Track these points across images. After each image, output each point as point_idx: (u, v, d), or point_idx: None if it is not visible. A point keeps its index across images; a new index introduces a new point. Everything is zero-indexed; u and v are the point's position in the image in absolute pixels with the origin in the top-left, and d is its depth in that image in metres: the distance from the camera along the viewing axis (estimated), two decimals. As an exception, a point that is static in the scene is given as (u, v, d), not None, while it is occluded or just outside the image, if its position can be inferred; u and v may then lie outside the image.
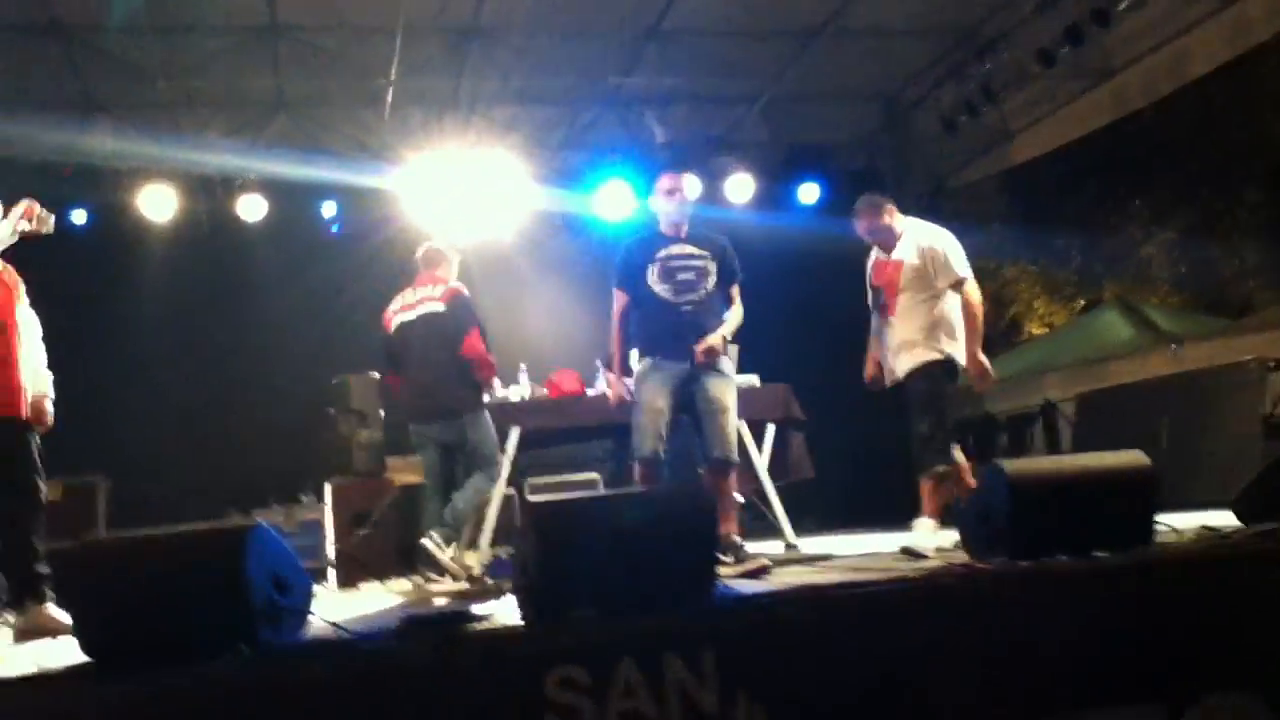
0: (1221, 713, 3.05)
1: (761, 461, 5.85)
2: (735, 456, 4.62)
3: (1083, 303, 16.80)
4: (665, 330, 4.64)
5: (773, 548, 5.40)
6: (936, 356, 4.90)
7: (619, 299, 4.81)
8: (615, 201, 8.55)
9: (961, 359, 4.94)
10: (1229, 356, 7.39)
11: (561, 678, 2.56)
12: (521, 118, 8.39)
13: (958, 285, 4.97)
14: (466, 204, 8.05)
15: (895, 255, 5.03)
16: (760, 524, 5.98)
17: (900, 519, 5.02)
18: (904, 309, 4.96)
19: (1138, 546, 3.34)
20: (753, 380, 5.95)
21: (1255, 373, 6.43)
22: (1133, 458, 3.52)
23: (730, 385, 4.69)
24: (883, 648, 2.83)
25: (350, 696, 2.52)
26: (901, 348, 4.96)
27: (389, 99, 7.91)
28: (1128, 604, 3.10)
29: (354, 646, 2.71)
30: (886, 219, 5.10)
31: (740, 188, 9.00)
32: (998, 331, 17.91)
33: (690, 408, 4.61)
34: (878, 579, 3.29)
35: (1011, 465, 3.51)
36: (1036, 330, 17.13)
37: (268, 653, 2.70)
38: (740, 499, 6.01)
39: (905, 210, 5.27)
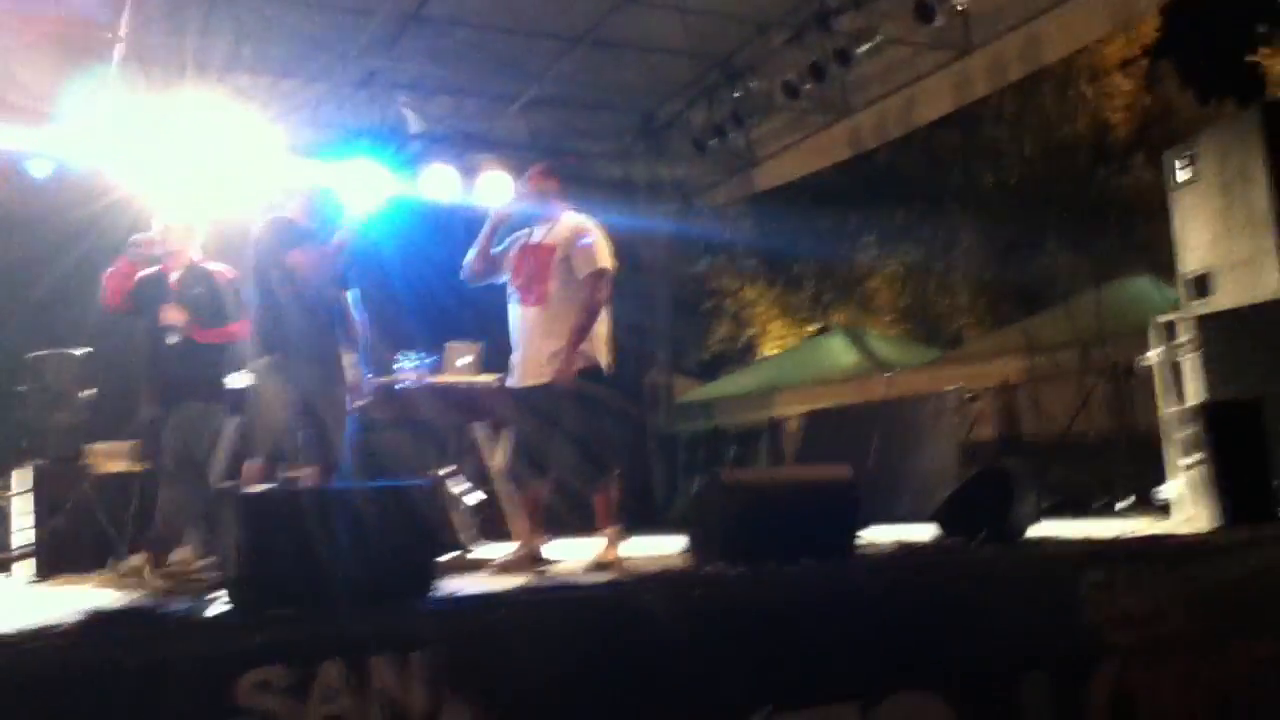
0: (906, 710, 3.27)
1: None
2: None
3: (815, 327, 17.79)
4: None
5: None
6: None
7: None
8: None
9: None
10: (936, 385, 8.03)
11: (257, 680, 2.41)
12: (260, 88, 7.91)
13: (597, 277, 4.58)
14: (216, 175, 7.47)
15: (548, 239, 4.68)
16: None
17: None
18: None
19: (838, 555, 3.53)
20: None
21: (956, 401, 7.02)
22: (837, 471, 3.74)
23: None
24: (596, 649, 2.84)
25: (10, 701, 2.27)
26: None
27: (116, 56, 7.31)
28: (825, 607, 3.27)
29: (14, 646, 2.44)
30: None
31: (496, 186, 8.89)
32: (735, 350, 18.71)
33: None
34: (593, 581, 3.32)
35: (728, 475, 3.64)
36: (771, 351, 17.98)
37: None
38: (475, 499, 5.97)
39: (652, 223, 5.29)
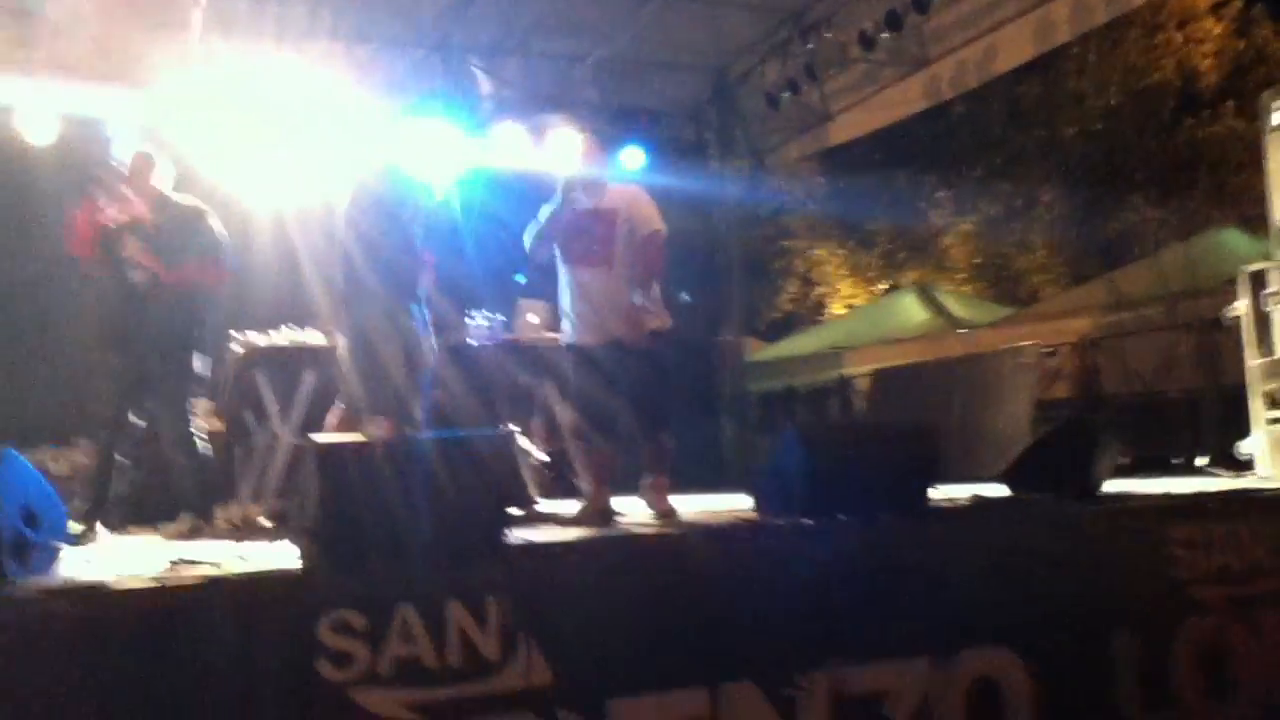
0: (979, 666, 3.24)
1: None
2: None
3: (885, 286, 17.54)
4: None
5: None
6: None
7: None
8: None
9: None
10: (1012, 342, 7.85)
11: (336, 622, 2.47)
12: (337, 53, 7.98)
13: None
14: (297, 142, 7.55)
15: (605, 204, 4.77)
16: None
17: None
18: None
19: (914, 509, 3.49)
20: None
21: (1033, 356, 6.86)
22: (914, 424, 3.68)
23: None
24: (665, 597, 2.86)
25: (106, 637, 2.35)
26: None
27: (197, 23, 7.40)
28: (897, 562, 3.24)
29: (108, 586, 2.52)
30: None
31: (568, 146, 8.83)
32: (803, 309, 18.55)
33: None
34: (663, 532, 3.32)
35: (805, 427, 3.61)
36: (840, 310, 17.79)
37: (11, 588, 2.49)
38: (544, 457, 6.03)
39: (724, 183, 5.28)
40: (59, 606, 2.39)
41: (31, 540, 2.61)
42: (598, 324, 4.62)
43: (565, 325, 4.78)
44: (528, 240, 4.76)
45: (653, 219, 4.70)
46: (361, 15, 7.54)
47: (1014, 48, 7.91)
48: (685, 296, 5.84)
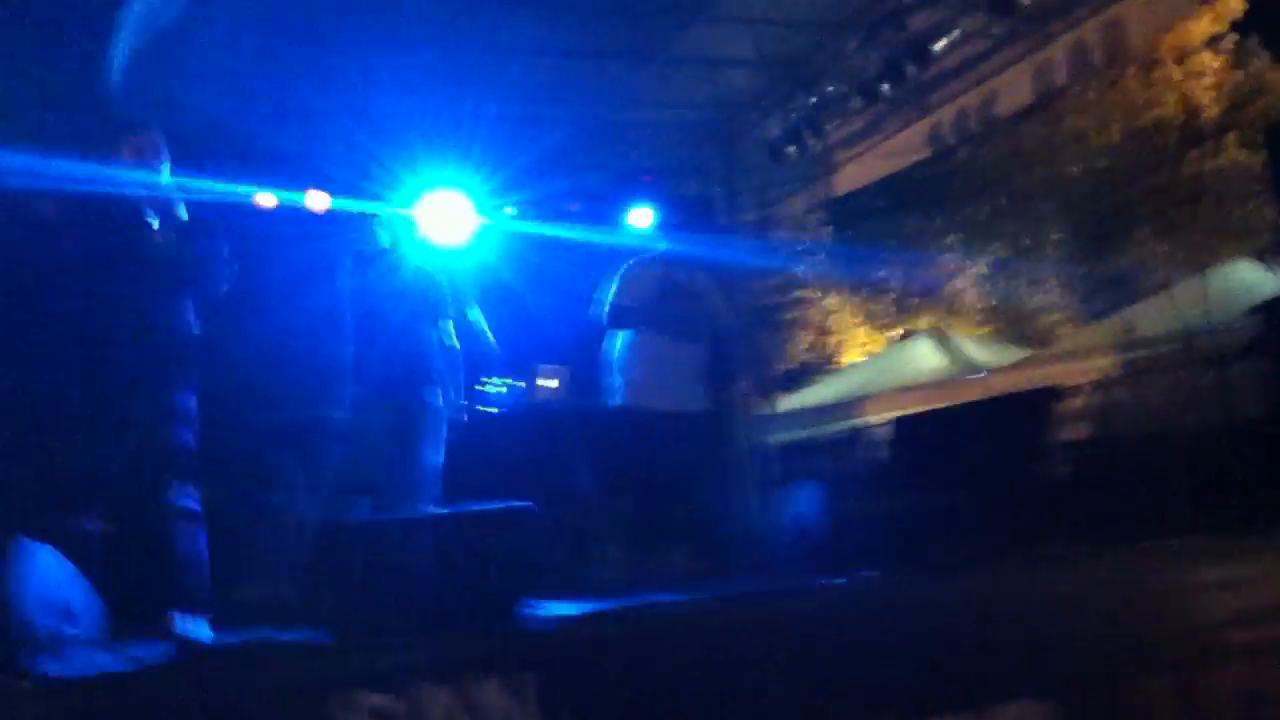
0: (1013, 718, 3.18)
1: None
2: None
3: (900, 331, 17.53)
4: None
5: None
6: None
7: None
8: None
9: None
10: (1031, 384, 7.82)
11: (371, 709, 2.45)
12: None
13: None
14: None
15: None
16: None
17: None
18: None
19: (940, 561, 3.46)
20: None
21: (1053, 398, 6.79)
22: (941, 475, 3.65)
23: None
24: (698, 667, 2.83)
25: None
26: None
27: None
28: (925, 617, 3.21)
29: (139, 679, 2.51)
30: None
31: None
32: (820, 358, 18.52)
33: None
34: (694, 599, 3.30)
35: (823, 481, 3.59)
36: (856, 358, 17.75)
37: (47, 684, 2.48)
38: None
39: (733, 238, 5.46)
40: (86, 700, 2.38)
41: (66, 635, 2.61)
42: (670, 393, 4.94)
43: (619, 387, 5.05)
44: (608, 299, 5.14)
45: (719, 303, 5.20)
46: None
47: (1014, 91, 7.97)
48: None
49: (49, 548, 2.69)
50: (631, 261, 5.12)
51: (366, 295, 4.64)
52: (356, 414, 4.61)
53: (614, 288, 5.03)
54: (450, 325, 4.95)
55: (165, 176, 3.91)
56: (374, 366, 4.56)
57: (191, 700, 2.41)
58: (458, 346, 4.96)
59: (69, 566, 2.75)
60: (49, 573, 2.63)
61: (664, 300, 5.06)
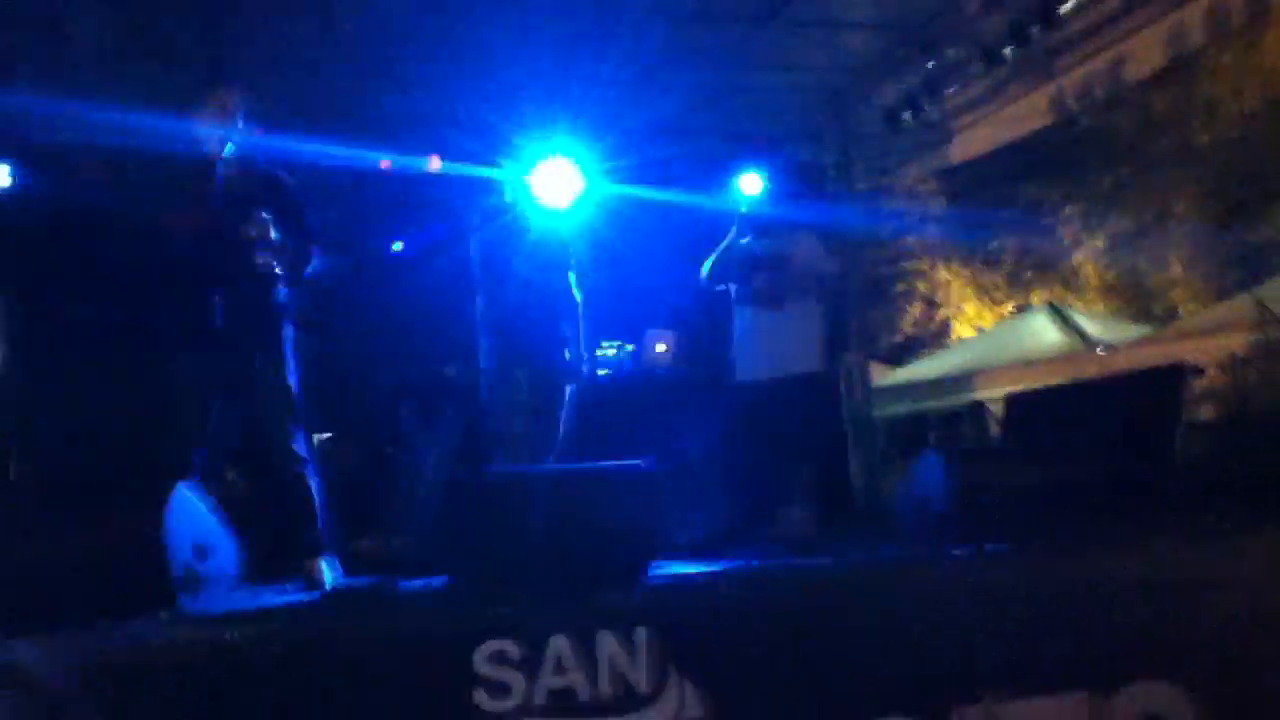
0: (1141, 702, 3.09)
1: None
2: None
3: (1014, 306, 17.08)
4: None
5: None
6: None
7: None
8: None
9: None
10: (1152, 362, 7.54)
11: (492, 652, 2.51)
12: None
13: None
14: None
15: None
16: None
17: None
18: None
19: (1069, 535, 3.37)
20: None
21: (1178, 377, 6.54)
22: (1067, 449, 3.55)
23: None
24: (815, 631, 2.81)
25: (273, 665, 2.43)
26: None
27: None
28: (1055, 592, 3.13)
29: (277, 614, 2.62)
30: None
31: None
32: (928, 332, 18.16)
33: None
34: (813, 564, 3.28)
35: (949, 450, 3.53)
36: (966, 333, 17.36)
37: (185, 618, 2.60)
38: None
39: (843, 205, 5.45)
40: (227, 635, 2.48)
41: (201, 574, 2.72)
42: (774, 360, 4.93)
43: (738, 361, 5.10)
44: (705, 270, 5.19)
45: (825, 263, 5.15)
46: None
47: (1144, 56, 7.66)
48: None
49: (190, 490, 2.81)
50: (738, 226, 5.11)
51: (496, 251, 4.71)
52: (489, 369, 4.68)
53: (718, 253, 5.05)
54: (573, 278, 5.01)
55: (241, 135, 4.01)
56: (506, 321, 4.63)
57: (322, 640, 2.50)
58: (579, 299, 5.02)
59: (207, 509, 2.87)
60: (190, 514, 2.74)
61: (775, 265, 5.00)
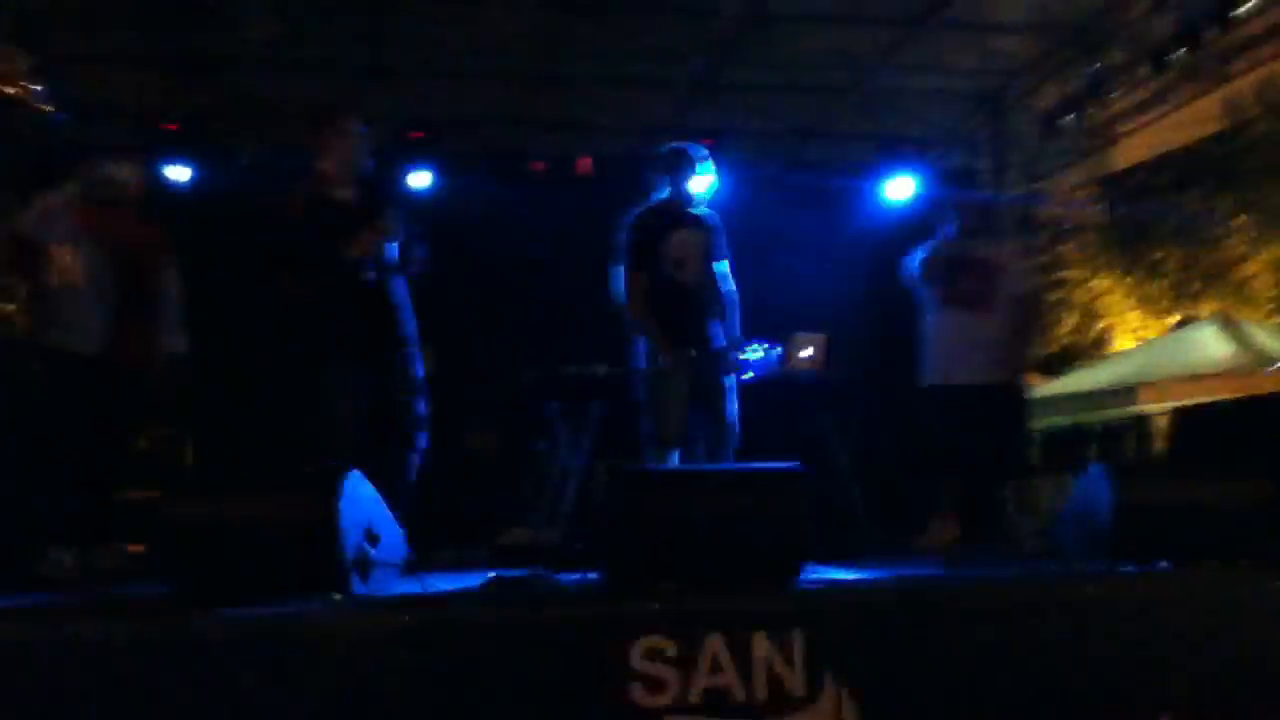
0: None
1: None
2: None
3: (1178, 318, 16.30)
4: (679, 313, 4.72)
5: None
6: None
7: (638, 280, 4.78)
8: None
9: None
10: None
11: (648, 648, 2.53)
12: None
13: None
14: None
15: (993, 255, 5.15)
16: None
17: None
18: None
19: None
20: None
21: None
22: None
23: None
24: (977, 644, 2.75)
25: (435, 652, 2.51)
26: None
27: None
28: (1230, 613, 2.98)
29: (440, 602, 2.70)
30: None
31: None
32: (1087, 342, 17.49)
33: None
34: (975, 575, 3.21)
35: (1116, 464, 3.40)
36: (1127, 344, 16.65)
37: (355, 602, 2.71)
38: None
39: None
40: (398, 619, 2.58)
41: (372, 557, 2.83)
42: (972, 365, 4.89)
43: (933, 362, 5.05)
44: (915, 267, 5.17)
45: (1035, 279, 5.26)
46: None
47: (1331, 58, 7.22)
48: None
49: (361, 475, 2.92)
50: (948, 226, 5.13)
51: (655, 242, 4.74)
52: (650, 362, 4.70)
53: (930, 252, 5.06)
54: (726, 267, 5.01)
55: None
56: (669, 311, 4.66)
57: (478, 625, 2.57)
58: (734, 288, 5.03)
59: (373, 492, 2.98)
60: (361, 499, 2.86)
61: (985, 270, 5.04)
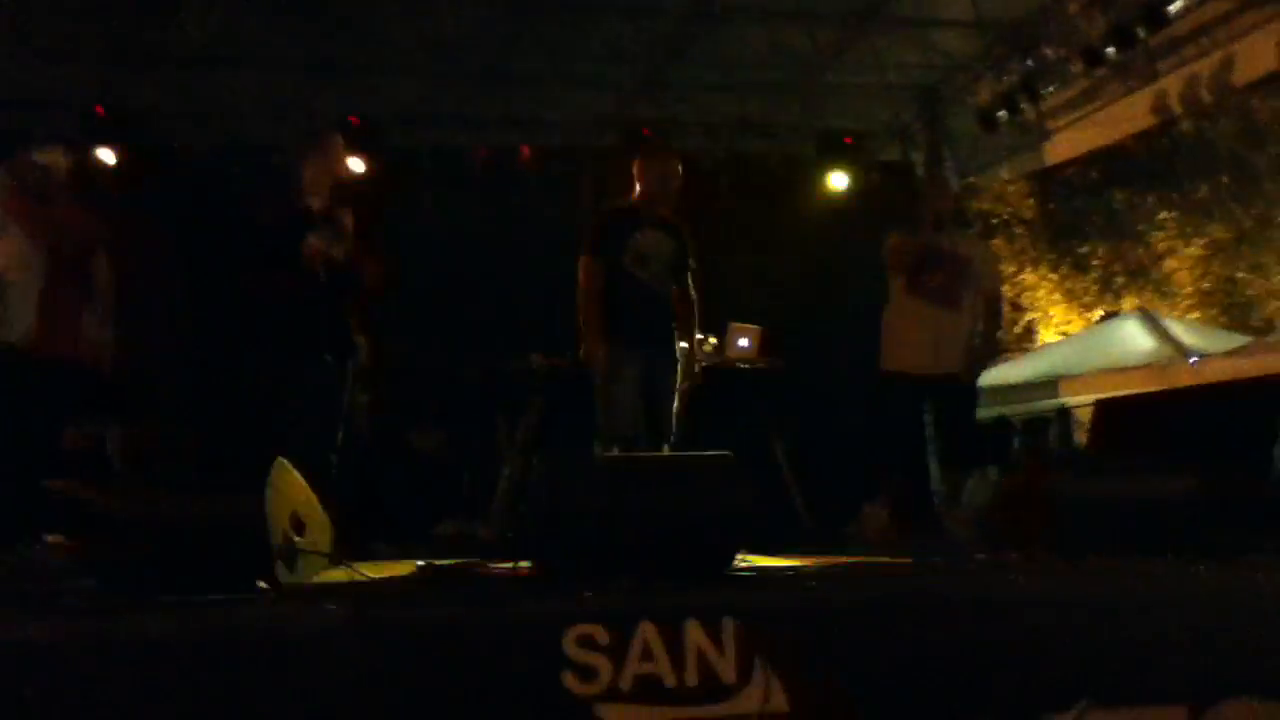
0: (1241, 717, 3.00)
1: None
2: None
3: (1102, 312, 16.68)
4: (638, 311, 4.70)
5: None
6: None
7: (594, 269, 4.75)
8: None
9: None
10: (1251, 373, 7.32)
11: (580, 636, 2.52)
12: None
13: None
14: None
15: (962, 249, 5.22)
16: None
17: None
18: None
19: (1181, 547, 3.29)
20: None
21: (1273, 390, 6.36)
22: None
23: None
24: (906, 630, 2.78)
25: (364, 640, 2.48)
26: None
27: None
28: (1157, 604, 3.05)
29: (368, 590, 2.67)
30: None
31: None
32: (1013, 336, 17.83)
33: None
34: (907, 564, 3.25)
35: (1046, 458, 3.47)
36: (1052, 338, 17.00)
37: (281, 592, 2.67)
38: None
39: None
40: (327, 607, 2.54)
41: (298, 547, 2.79)
42: (935, 356, 4.96)
43: (891, 350, 5.10)
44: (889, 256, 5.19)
45: (999, 277, 5.38)
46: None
47: (1254, 59, 7.43)
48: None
49: (288, 464, 2.88)
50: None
51: (621, 235, 4.70)
52: (610, 363, 4.65)
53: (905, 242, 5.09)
54: (689, 277, 4.96)
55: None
56: (626, 317, 4.62)
57: (418, 618, 2.54)
58: (695, 297, 4.98)
59: (300, 480, 2.94)
60: (284, 486, 2.82)
61: (956, 264, 5.10)
